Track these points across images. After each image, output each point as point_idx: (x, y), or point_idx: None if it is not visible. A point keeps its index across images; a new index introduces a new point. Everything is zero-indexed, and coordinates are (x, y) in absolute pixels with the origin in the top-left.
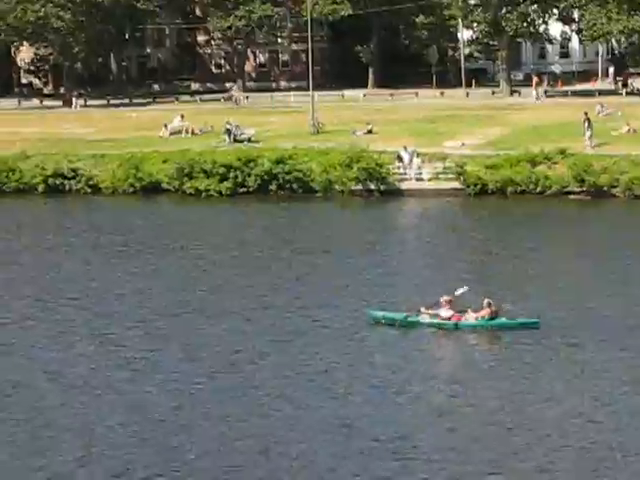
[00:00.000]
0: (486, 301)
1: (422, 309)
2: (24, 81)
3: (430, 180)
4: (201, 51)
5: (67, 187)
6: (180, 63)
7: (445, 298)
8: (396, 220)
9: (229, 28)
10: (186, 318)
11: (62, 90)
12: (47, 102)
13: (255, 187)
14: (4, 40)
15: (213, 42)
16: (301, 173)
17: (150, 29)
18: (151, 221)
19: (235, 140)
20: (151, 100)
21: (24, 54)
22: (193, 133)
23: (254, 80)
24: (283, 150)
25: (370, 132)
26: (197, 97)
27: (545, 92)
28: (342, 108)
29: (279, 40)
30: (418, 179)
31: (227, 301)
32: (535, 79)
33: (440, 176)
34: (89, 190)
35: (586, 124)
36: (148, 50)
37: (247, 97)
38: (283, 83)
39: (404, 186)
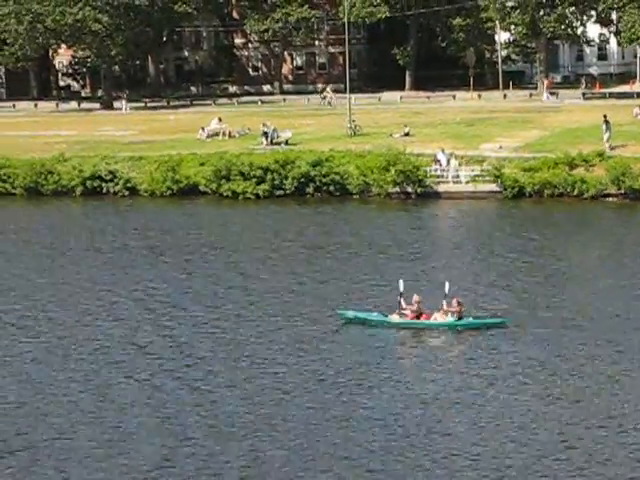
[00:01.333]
0: (455, 300)
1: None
2: (62, 84)
3: (467, 183)
4: (238, 53)
5: (105, 189)
6: (217, 66)
7: (415, 298)
8: (433, 222)
9: (266, 31)
10: (219, 313)
11: (100, 93)
12: (85, 105)
13: (292, 190)
14: (42, 43)
15: (250, 45)
16: (338, 176)
17: (187, 31)
18: (188, 223)
19: (272, 143)
20: (188, 103)
21: (62, 57)
22: (230, 136)
23: (291, 82)
24: (320, 153)
25: (407, 135)
26: (234, 100)
27: (583, 94)
28: (379, 111)
29: (316, 43)
30: (455, 182)
31: (264, 303)
32: (546, 81)
33: (477, 179)
34: (126, 192)
35: (604, 126)
36: (186, 53)
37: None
38: (320, 85)
39: (441, 189)
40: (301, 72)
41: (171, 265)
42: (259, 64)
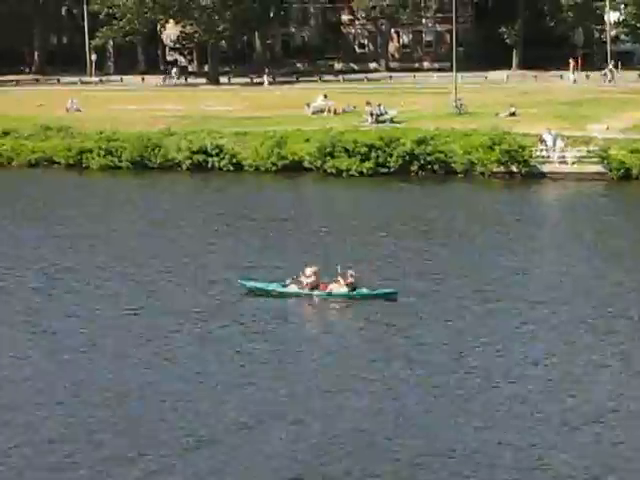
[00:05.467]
0: (349, 272)
1: (288, 280)
2: (169, 58)
3: (573, 164)
4: (345, 30)
5: (210, 164)
6: (324, 42)
7: (312, 269)
8: (537, 203)
9: (373, 8)
10: None
11: (206, 68)
12: (192, 80)
13: (396, 167)
14: (151, 18)
15: (357, 22)
16: (443, 154)
17: (295, 8)
18: (293, 200)
19: (377, 120)
20: (294, 79)
21: (170, 32)
22: (335, 112)
23: (397, 60)
24: (425, 131)
25: (513, 114)
26: (340, 77)
27: None
28: (485, 90)
29: (423, 20)
30: (561, 162)
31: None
32: (572, 62)
33: (583, 160)
34: (232, 167)
35: None
36: (292, 29)
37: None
38: (426, 64)
39: (546, 169)
40: (407, 50)
41: (269, 240)
42: (365, 41)
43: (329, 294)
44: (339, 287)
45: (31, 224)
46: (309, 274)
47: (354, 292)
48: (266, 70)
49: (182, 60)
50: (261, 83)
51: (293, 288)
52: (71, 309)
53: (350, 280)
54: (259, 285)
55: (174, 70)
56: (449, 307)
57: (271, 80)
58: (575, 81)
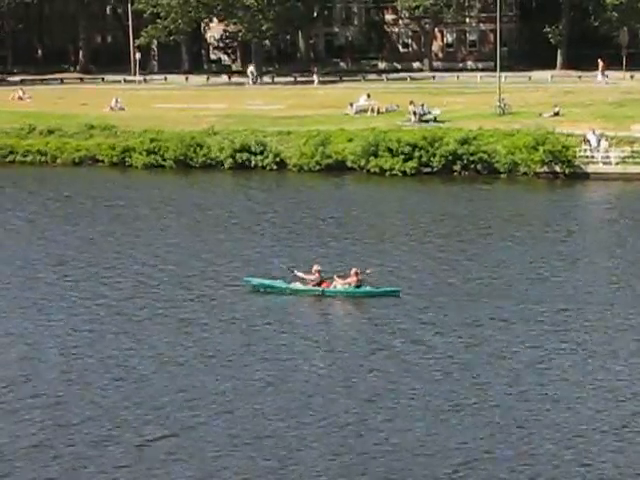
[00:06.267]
0: (353, 270)
1: (296, 275)
2: (213, 57)
3: (617, 164)
4: (388, 30)
5: (253, 163)
6: (367, 42)
7: (316, 267)
8: (580, 203)
9: (417, 7)
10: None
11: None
12: (235, 78)
13: (439, 167)
14: (195, 17)
15: (401, 21)
16: (486, 154)
17: (338, 7)
18: (337, 199)
19: (420, 120)
20: (337, 78)
21: (213, 31)
22: (378, 112)
23: (440, 60)
24: (468, 131)
25: (557, 114)
26: (383, 76)
27: None
28: (529, 90)
29: (467, 20)
30: (605, 163)
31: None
32: (601, 63)
33: (627, 160)
34: (275, 166)
35: None
36: (336, 28)
37: None
38: (470, 63)
39: (590, 169)
40: (451, 49)
41: (312, 240)
42: (409, 41)
43: (333, 291)
44: (343, 284)
45: (74, 222)
46: (313, 272)
47: (358, 289)
48: (315, 69)
49: (225, 59)
50: (308, 82)
51: (298, 285)
52: (103, 301)
53: (355, 278)
54: (265, 282)
55: (250, 69)
56: (487, 308)
57: (321, 79)
58: (605, 82)
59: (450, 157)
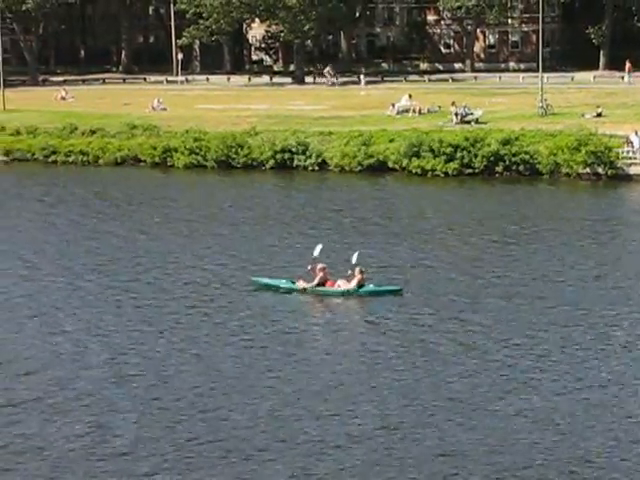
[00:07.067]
0: (357, 269)
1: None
2: (255, 58)
3: None
4: (430, 31)
5: (295, 163)
6: (409, 42)
7: (320, 266)
8: (623, 205)
9: (459, 8)
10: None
11: (292, 67)
12: (277, 79)
13: (481, 168)
14: (237, 17)
15: (443, 22)
16: (528, 155)
17: (380, 8)
18: (379, 199)
19: (462, 120)
20: (379, 79)
21: (255, 31)
22: (420, 113)
23: (482, 61)
24: (510, 131)
25: (599, 115)
26: (425, 77)
27: None
28: (571, 90)
29: (509, 21)
30: None
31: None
32: (628, 64)
33: None
34: (316, 167)
35: None
36: (378, 29)
37: None
38: (512, 64)
39: (632, 171)
40: (493, 50)
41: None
42: (451, 41)
43: (337, 290)
44: (347, 284)
45: (117, 222)
46: (317, 271)
47: (361, 289)
48: (362, 70)
49: (267, 59)
50: (351, 82)
51: (302, 285)
52: (152, 302)
53: (360, 277)
54: (271, 282)
55: (327, 70)
56: (528, 309)
57: (369, 80)
58: (630, 82)
59: (492, 158)
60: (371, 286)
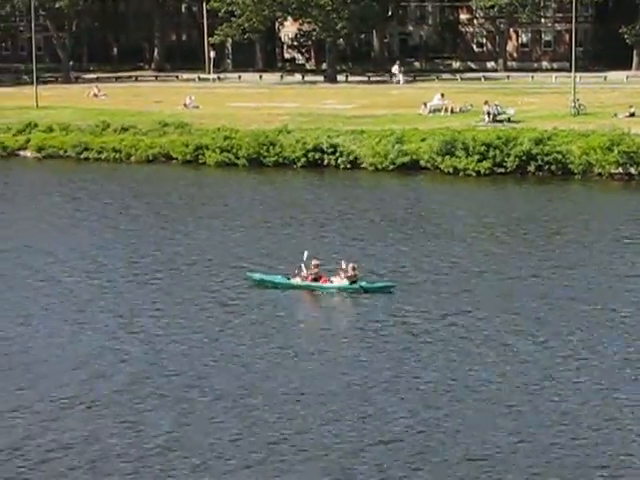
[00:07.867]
0: (350, 266)
1: (302, 269)
2: (287, 56)
3: None
4: (463, 29)
5: (326, 162)
6: (442, 41)
7: (314, 262)
8: None
9: (492, 7)
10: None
11: (324, 66)
12: (309, 77)
13: (513, 167)
14: (269, 15)
15: (475, 21)
16: (560, 155)
17: (413, 6)
18: (411, 198)
19: (494, 120)
20: (411, 78)
21: (288, 29)
22: (452, 112)
23: (515, 60)
24: (543, 131)
25: (632, 115)
26: (457, 76)
27: None
28: (604, 90)
29: (542, 20)
30: None
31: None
32: None
33: None
34: (348, 166)
35: None
36: (410, 27)
37: None
38: (545, 63)
39: None
40: (526, 49)
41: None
42: (483, 40)
43: (330, 286)
44: (340, 280)
45: (150, 221)
46: (312, 267)
47: (354, 285)
48: (401, 69)
49: (299, 58)
50: (382, 82)
51: (297, 280)
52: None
53: (352, 273)
54: (266, 278)
55: (395, 67)
56: (559, 311)
57: (407, 78)
58: None
59: (524, 157)
60: (363, 282)
